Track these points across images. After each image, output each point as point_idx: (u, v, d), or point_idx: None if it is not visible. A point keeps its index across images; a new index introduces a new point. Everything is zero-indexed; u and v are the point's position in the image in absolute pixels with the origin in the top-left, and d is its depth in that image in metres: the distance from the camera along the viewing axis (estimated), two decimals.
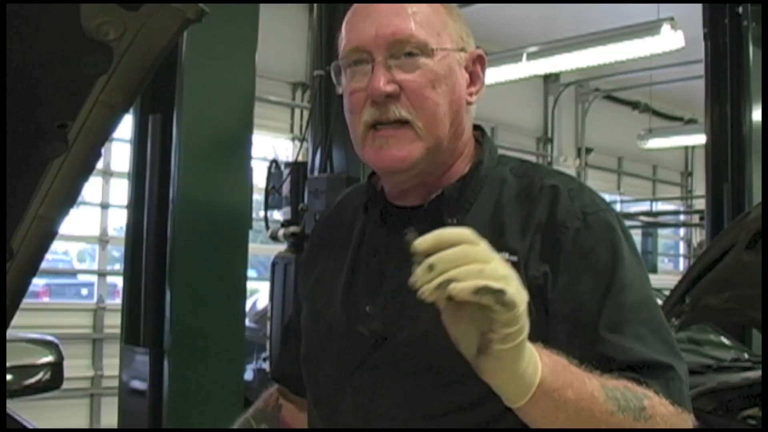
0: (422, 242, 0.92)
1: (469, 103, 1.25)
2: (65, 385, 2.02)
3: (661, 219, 12.46)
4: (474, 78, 1.26)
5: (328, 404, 1.26)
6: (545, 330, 1.12)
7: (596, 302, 1.13)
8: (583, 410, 1.00)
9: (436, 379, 1.14)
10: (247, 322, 3.74)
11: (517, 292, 0.92)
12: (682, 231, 13.68)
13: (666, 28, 6.25)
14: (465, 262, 0.91)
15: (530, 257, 1.15)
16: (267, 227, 4.21)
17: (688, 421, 1.09)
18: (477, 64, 1.27)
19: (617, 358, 1.09)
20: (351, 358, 1.22)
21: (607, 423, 1.01)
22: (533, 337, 0.98)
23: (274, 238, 4.12)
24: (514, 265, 1.14)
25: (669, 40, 6.31)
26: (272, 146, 7.34)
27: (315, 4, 4.29)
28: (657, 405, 1.05)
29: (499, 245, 1.16)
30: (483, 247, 0.93)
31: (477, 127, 1.33)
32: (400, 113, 1.18)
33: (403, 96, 1.18)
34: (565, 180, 1.24)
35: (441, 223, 1.21)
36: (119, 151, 6.90)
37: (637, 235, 11.57)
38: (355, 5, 1.25)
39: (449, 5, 1.24)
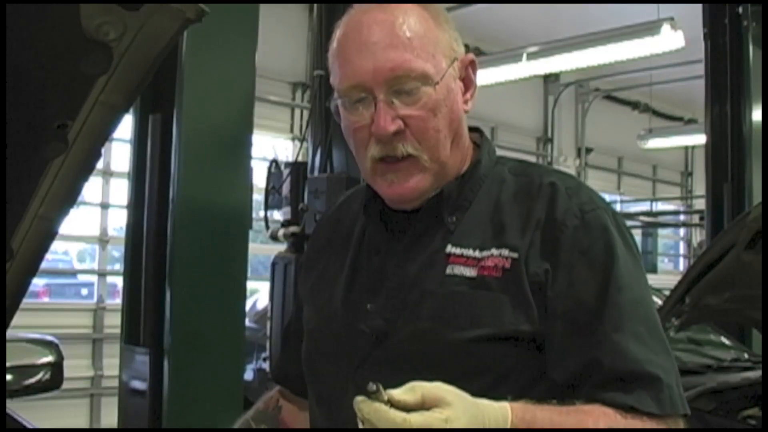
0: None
1: (465, 112, 1.26)
2: (65, 385, 2.02)
3: (661, 219, 12.46)
4: (467, 84, 1.27)
5: (330, 402, 1.27)
6: (545, 327, 1.14)
7: (594, 302, 1.14)
8: None
9: (436, 375, 1.14)
10: (247, 322, 3.74)
11: None
12: (682, 231, 13.68)
13: (666, 28, 6.24)
14: None
15: (530, 254, 1.16)
16: (267, 227, 4.20)
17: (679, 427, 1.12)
18: (469, 69, 1.27)
19: (607, 365, 1.10)
20: (353, 356, 1.23)
21: None
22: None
23: (274, 238, 4.12)
24: (515, 261, 1.15)
25: (669, 40, 6.30)
26: (272, 146, 7.35)
27: (315, 4, 4.29)
28: None
29: (499, 242, 1.18)
30: None
31: (476, 129, 1.33)
32: (407, 150, 1.19)
33: (408, 131, 1.18)
34: (564, 178, 1.25)
35: (440, 222, 1.22)
36: (119, 151, 6.90)
37: (637, 235, 11.56)
38: (346, 27, 1.23)
39: (435, 11, 1.23)
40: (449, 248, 1.21)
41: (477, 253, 1.18)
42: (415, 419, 0.94)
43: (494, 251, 1.18)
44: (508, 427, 1.01)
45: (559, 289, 1.14)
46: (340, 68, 1.22)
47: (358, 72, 1.18)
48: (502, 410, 1.01)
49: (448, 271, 1.19)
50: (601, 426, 1.06)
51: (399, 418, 0.94)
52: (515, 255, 1.16)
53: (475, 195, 1.25)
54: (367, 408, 0.95)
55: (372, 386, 0.95)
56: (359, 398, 0.96)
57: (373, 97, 1.18)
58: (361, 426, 0.96)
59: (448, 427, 0.95)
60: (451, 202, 1.24)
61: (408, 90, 1.17)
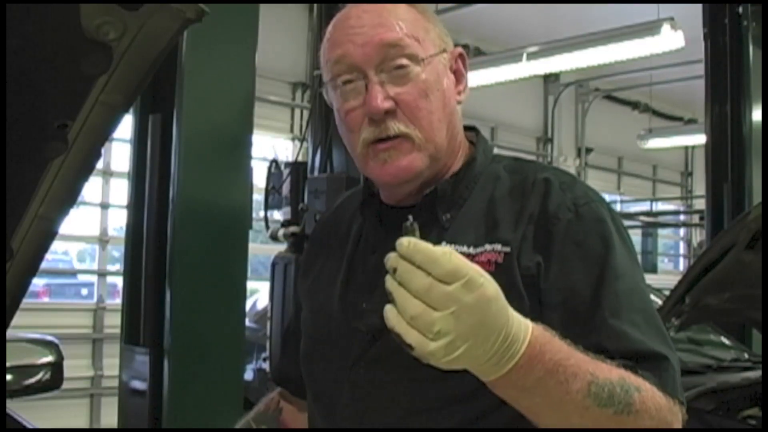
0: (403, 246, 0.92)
1: (458, 103, 1.27)
2: (65, 385, 2.02)
3: (661, 219, 12.46)
4: (459, 76, 1.28)
5: (327, 400, 1.27)
6: (540, 320, 1.13)
7: (590, 291, 1.14)
8: (552, 402, 1.02)
9: (432, 372, 1.14)
10: (247, 322, 3.74)
11: (442, 349, 0.92)
12: (682, 231, 13.68)
13: (666, 28, 6.24)
14: (417, 293, 0.91)
15: (523, 248, 1.17)
16: (267, 227, 4.20)
17: (679, 414, 1.10)
18: (459, 62, 1.29)
19: (611, 348, 1.10)
20: (349, 354, 1.23)
21: (580, 416, 1.02)
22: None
23: (274, 238, 4.12)
24: (507, 255, 1.16)
25: (669, 40, 6.30)
26: (272, 146, 7.34)
27: (315, 4, 4.30)
28: (648, 399, 1.05)
29: (491, 237, 1.18)
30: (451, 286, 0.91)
31: (472, 128, 1.34)
32: (399, 128, 1.19)
33: (399, 110, 1.19)
34: (558, 173, 1.26)
35: (435, 219, 1.23)
36: (119, 151, 6.90)
37: (637, 235, 11.58)
38: (336, 20, 1.25)
39: (423, 8, 1.26)
40: (444, 245, 1.21)
41: (471, 250, 1.19)
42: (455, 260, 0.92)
43: (487, 247, 1.18)
44: (528, 336, 0.98)
45: (552, 281, 1.14)
46: (330, 52, 1.23)
47: (348, 51, 1.20)
48: (524, 321, 0.99)
49: None
50: (614, 372, 1.04)
51: (439, 251, 0.92)
52: (507, 249, 1.17)
53: (470, 192, 1.25)
54: (406, 241, 0.92)
55: (409, 222, 0.94)
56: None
57: (364, 75, 1.19)
58: (391, 276, 0.92)
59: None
60: (445, 199, 1.24)
61: (398, 67, 1.19)
